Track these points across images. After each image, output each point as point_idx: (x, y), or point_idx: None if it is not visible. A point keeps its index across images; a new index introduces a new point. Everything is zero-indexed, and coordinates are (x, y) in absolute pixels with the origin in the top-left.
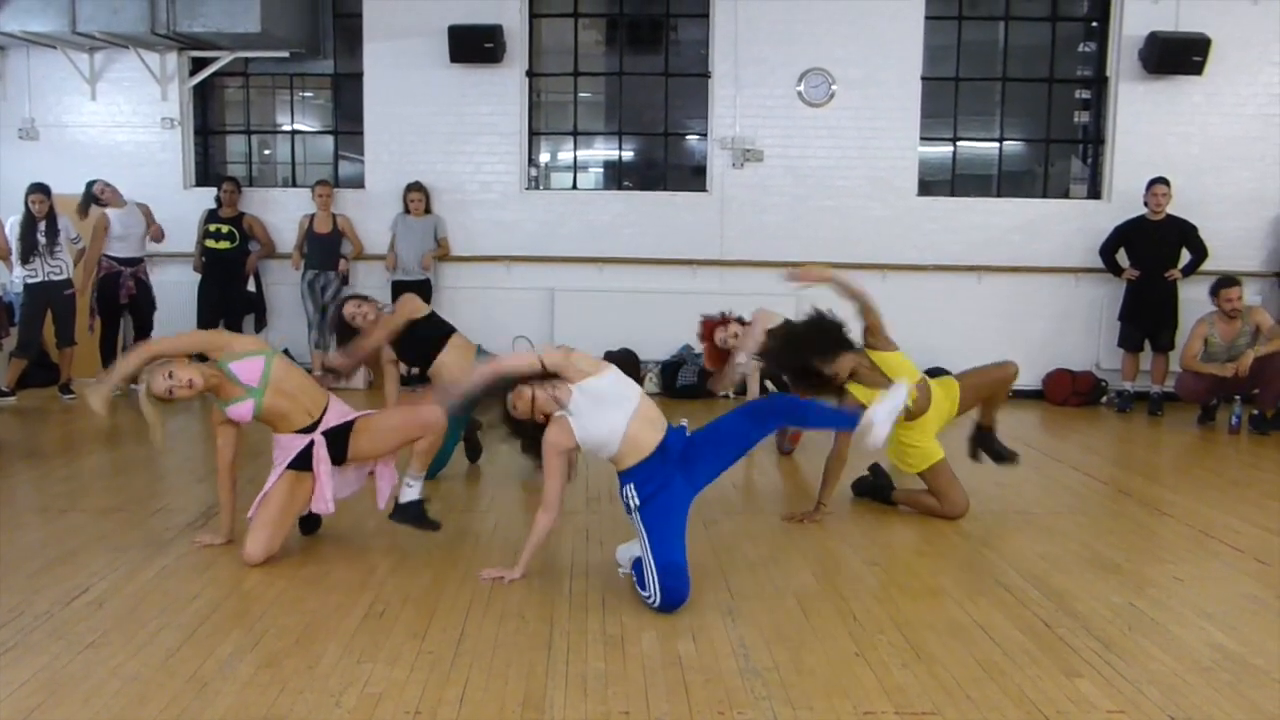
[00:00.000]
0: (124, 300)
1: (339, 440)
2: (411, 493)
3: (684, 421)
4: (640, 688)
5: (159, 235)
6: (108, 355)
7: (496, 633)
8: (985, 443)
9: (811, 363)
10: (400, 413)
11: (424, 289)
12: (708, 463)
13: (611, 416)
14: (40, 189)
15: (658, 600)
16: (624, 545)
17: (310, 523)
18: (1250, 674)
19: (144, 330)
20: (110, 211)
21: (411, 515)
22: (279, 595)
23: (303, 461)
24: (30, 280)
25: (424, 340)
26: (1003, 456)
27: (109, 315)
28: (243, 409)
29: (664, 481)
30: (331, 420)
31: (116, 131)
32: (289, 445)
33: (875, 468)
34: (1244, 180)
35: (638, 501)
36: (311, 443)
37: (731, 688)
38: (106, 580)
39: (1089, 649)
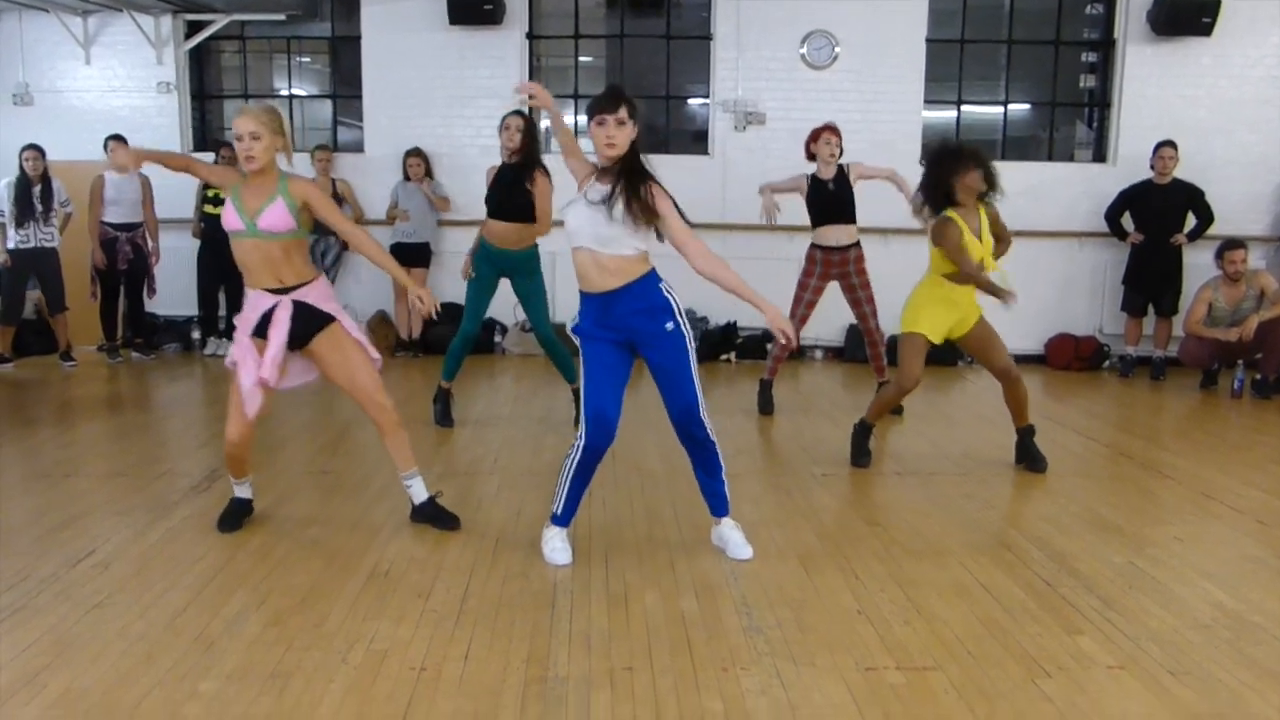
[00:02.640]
0: (123, 266)
1: (305, 321)
2: (418, 491)
3: (670, 326)
4: (644, 645)
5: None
6: (108, 322)
7: (500, 591)
8: (1023, 444)
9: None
10: (365, 361)
11: (425, 252)
12: (655, 374)
13: (579, 223)
14: (34, 148)
15: (579, 441)
16: None
17: (233, 520)
18: (1249, 631)
19: (138, 297)
20: (107, 174)
21: (428, 514)
22: (284, 556)
23: (264, 330)
24: (22, 246)
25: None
26: (1037, 464)
27: (108, 281)
28: (234, 220)
29: (593, 334)
30: (309, 296)
31: (112, 96)
32: (257, 303)
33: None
34: (1251, 144)
35: (572, 330)
36: (277, 305)
37: (734, 645)
38: (112, 543)
39: (1090, 607)
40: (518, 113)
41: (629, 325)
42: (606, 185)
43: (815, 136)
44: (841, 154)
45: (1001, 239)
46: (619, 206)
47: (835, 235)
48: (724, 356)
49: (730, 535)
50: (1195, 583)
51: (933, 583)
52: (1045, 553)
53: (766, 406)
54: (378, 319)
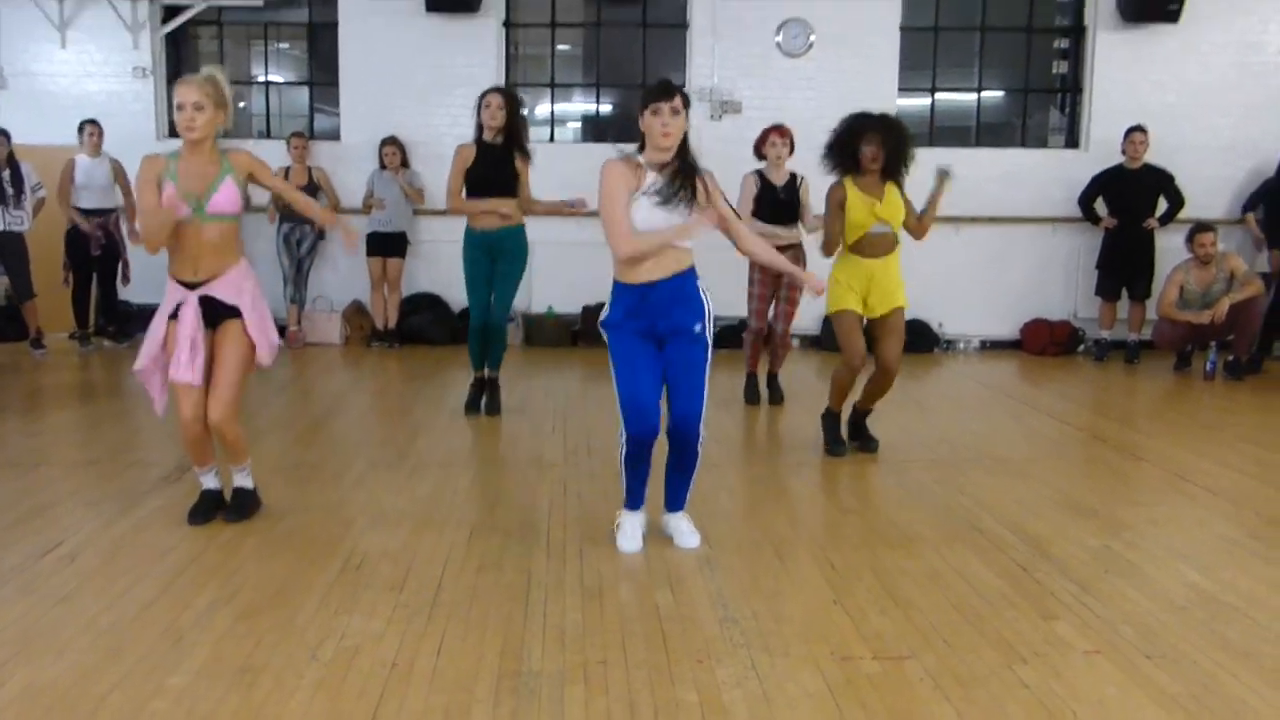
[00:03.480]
0: (95, 252)
1: (212, 311)
2: (242, 480)
3: (698, 328)
4: (618, 638)
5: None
6: (80, 309)
7: (474, 584)
8: (857, 423)
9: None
10: (240, 363)
11: (401, 241)
12: (671, 369)
13: (651, 219)
14: None
15: (624, 436)
16: None
17: (204, 513)
18: (1224, 611)
19: (110, 284)
20: (78, 158)
21: (236, 503)
22: (255, 549)
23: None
24: None
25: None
26: (868, 444)
27: (80, 267)
28: (173, 197)
29: (624, 325)
30: (216, 290)
31: (87, 81)
32: (172, 294)
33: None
34: (1220, 128)
35: (604, 321)
36: (183, 302)
37: (710, 636)
38: (80, 534)
39: (1065, 591)
40: (498, 89)
41: (667, 312)
42: (667, 179)
43: (763, 138)
44: (791, 152)
45: (925, 220)
46: (687, 198)
47: (777, 236)
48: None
49: (680, 525)
50: (1170, 565)
51: (907, 571)
52: (1020, 538)
53: (753, 396)
54: (353, 309)
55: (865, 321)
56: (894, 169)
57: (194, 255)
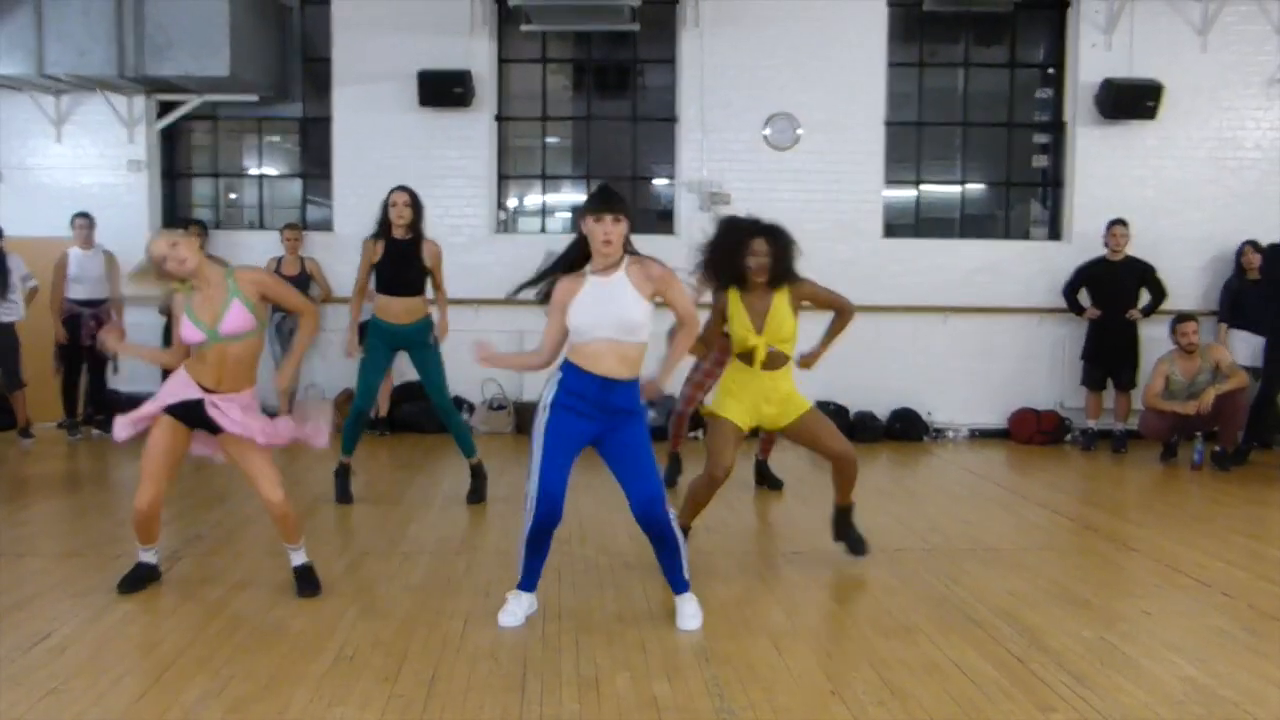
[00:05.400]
0: (86, 342)
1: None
2: (297, 558)
3: (651, 413)
4: None
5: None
6: (69, 399)
7: (469, 675)
8: (842, 526)
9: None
10: (268, 463)
11: None
12: (616, 453)
13: (604, 316)
14: None
15: (530, 520)
16: None
17: (135, 583)
18: (1220, 706)
19: (100, 373)
20: (71, 251)
21: (301, 578)
22: (245, 640)
23: (183, 413)
24: None
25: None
26: (858, 547)
27: (71, 358)
28: (194, 333)
29: (582, 409)
30: (230, 410)
31: (82, 174)
32: (184, 388)
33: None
34: (1198, 221)
35: (549, 401)
36: (201, 401)
37: None
38: (68, 625)
39: (1062, 684)
40: (403, 188)
41: (611, 416)
42: (612, 274)
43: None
44: None
45: (837, 308)
46: (638, 288)
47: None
48: (692, 434)
49: (683, 608)
50: (1165, 657)
51: (904, 661)
52: (1014, 628)
53: (671, 478)
54: (344, 396)
55: (760, 432)
56: (782, 275)
57: (216, 367)
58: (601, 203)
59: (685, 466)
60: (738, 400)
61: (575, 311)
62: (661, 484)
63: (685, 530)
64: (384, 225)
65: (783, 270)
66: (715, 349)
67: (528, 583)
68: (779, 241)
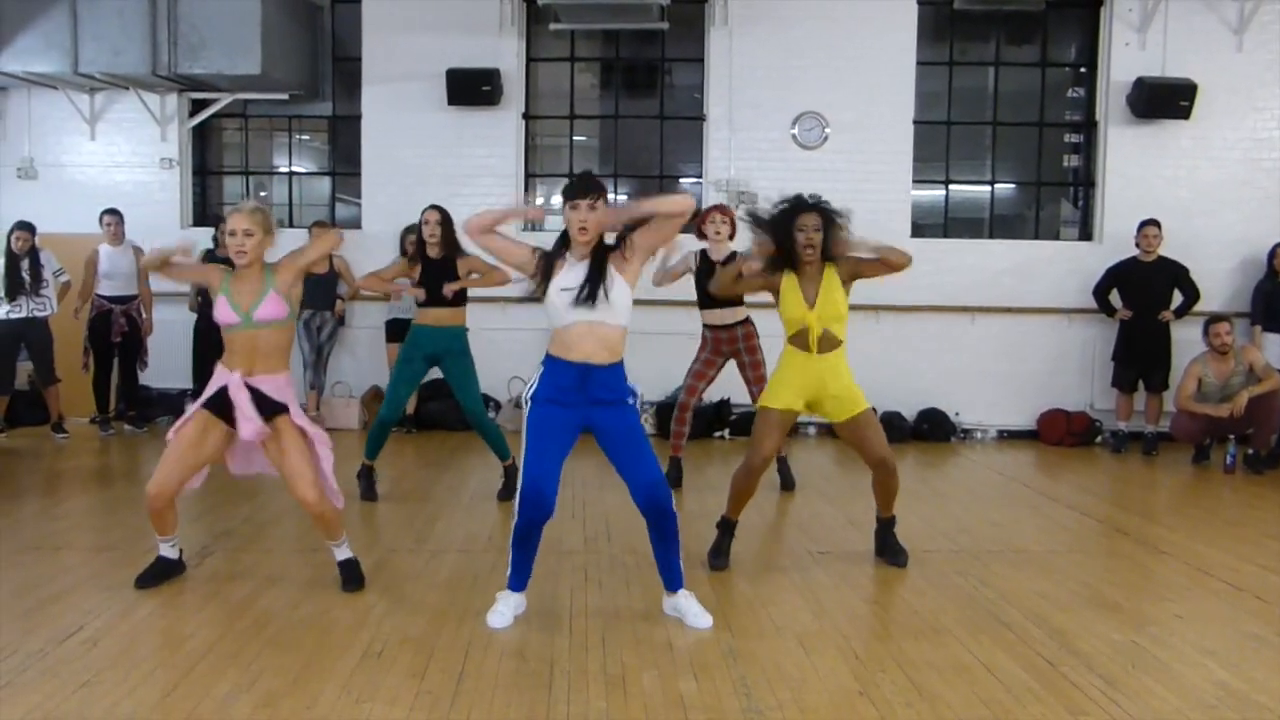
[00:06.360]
0: (116, 338)
1: (258, 402)
2: (341, 553)
3: (630, 400)
4: None
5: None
6: (101, 394)
7: (497, 672)
8: (883, 535)
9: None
10: (305, 462)
11: None
12: (611, 443)
13: (567, 300)
14: (22, 227)
15: (517, 515)
16: None
17: (154, 577)
18: (1254, 711)
19: (131, 369)
20: (101, 248)
21: (346, 573)
22: (275, 634)
23: (218, 405)
24: (13, 315)
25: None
26: (898, 558)
27: (102, 353)
28: (229, 314)
29: (564, 400)
30: (264, 385)
31: (115, 171)
32: (219, 377)
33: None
34: (1233, 223)
35: (530, 395)
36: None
37: None
38: (100, 619)
39: (1093, 687)
40: (434, 207)
41: (594, 405)
42: (579, 282)
43: (704, 218)
44: (733, 234)
45: (891, 267)
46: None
47: (720, 315)
48: (717, 434)
49: (687, 605)
50: (1197, 661)
51: (933, 663)
52: (1044, 631)
53: (676, 481)
54: (371, 394)
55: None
56: (831, 248)
57: (247, 355)
58: (575, 189)
59: (685, 468)
60: (789, 386)
61: (554, 287)
62: (660, 469)
63: (733, 524)
64: (419, 245)
65: (833, 246)
66: (723, 293)
67: (516, 582)
68: (828, 217)
